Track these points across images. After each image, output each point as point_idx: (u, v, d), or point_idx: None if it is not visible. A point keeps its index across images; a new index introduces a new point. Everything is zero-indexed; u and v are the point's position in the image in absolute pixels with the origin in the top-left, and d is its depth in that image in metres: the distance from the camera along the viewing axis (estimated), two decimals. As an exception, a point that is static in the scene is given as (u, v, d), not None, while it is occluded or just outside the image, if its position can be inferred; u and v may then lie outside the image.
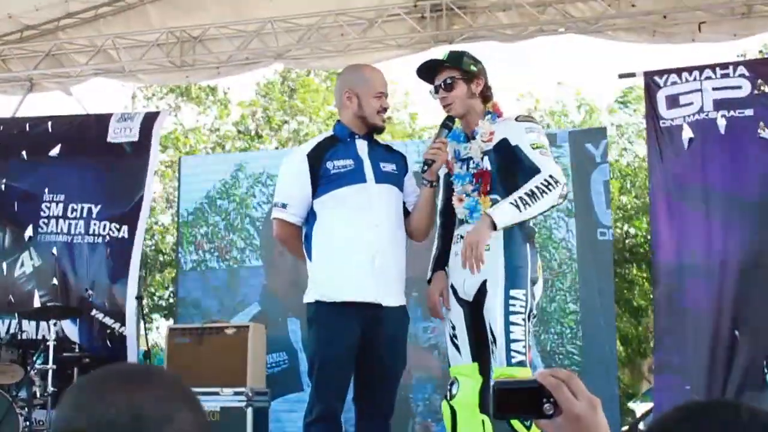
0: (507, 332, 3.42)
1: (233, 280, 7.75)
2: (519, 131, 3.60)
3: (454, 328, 3.63)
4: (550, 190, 3.46)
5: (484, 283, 3.51)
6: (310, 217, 3.62)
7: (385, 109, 3.71)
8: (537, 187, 3.44)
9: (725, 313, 6.41)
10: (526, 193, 3.42)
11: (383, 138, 4.24)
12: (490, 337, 3.49)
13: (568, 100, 16.99)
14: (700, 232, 6.58)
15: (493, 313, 3.46)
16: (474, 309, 3.58)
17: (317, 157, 3.61)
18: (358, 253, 3.54)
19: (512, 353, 3.40)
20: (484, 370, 3.57)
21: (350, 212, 3.55)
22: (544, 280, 3.87)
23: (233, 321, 7.05)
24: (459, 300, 3.64)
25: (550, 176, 3.49)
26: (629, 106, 16.03)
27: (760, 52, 14.24)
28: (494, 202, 3.54)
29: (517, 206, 3.40)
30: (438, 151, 3.56)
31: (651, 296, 9.48)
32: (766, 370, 6.21)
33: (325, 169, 3.57)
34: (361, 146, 3.67)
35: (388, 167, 3.68)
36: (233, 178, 7.95)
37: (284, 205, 3.65)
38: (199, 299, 7.76)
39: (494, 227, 3.36)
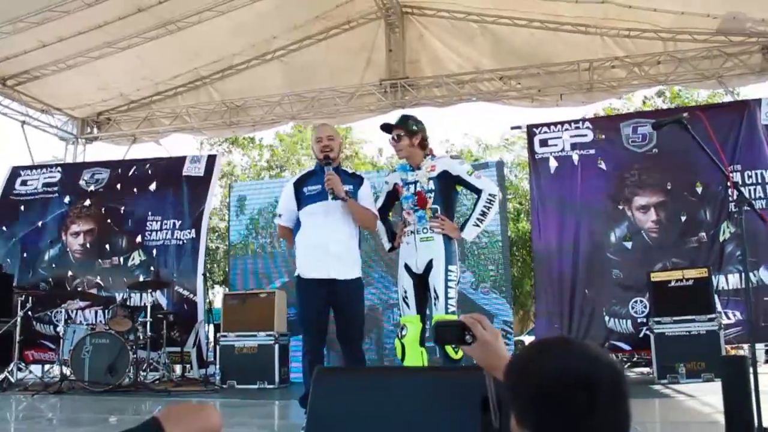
0: (446, 292, 3.49)
1: (270, 261, 7.72)
2: (455, 165, 3.68)
3: (406, 292, 3.64)
4: (492, 205, 3.59)
5: (430, 261, 3.57)
6: (298, 222, 3.66)
7: (325, 147, 3.63)
8: (485, 206, 3.57)
9: (579, 278, 6.63)
10: (480, 213, 3.57)
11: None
12: (433, 295, 3.52)
13: (472, 144, 18.32)
14: (562, 227, 6.79)
15: (437, 279, 3.52)
16: (421, 279, 3.60)
17: (299, 185, 3.67)
18: (320, 246, 3.54)
19: (448, 305, 3.48)
20: (423, 320, 3.61)
21: (317, 220, 3.57)
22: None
23: (269, 288, 7.05)
24: (411, 273, 3.63)
25: (490, 194, 3.60)
26: (509, 147, 17.51)
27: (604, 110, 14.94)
28: (434, 210, 3.60)
29: (477, 225, 3.58)
30: (330, 182, 3.52)
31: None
32: (605, 316, 6.49)
33: (303, 192, 3.62)
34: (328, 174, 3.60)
35: (345, 187, 3.59)
36: (268, 198, 7.92)
37: (281, 215, 3.74)
38: (245, 275, 7.79)
39: (462, 238, 3.62)
